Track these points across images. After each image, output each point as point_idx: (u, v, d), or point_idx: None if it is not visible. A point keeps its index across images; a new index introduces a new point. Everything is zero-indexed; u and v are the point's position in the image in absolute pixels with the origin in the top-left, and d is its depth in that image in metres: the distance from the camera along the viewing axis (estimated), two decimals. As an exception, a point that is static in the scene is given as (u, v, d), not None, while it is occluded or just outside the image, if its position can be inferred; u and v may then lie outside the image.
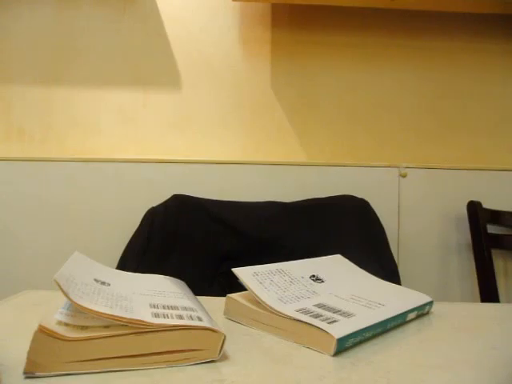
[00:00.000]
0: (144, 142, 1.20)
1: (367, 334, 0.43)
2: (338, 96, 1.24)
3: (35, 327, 0.32)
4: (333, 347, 0.39)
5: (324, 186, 1.15)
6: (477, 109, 1.25)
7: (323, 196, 1.12)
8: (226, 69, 1.23)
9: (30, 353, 0.32)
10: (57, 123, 1.19)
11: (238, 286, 0.50)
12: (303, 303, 0.47)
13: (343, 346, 0.40)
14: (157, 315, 0.37)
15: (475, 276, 1.10)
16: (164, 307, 0.40)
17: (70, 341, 0.33)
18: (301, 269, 0.57)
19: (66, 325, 0.34)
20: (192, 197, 1.06)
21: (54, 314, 0.35)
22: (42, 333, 0.32)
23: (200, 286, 0.54)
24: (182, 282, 0.55)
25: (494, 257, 1.09)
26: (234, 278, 0.49)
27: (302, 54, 1.23)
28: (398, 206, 1.17)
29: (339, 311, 0.46)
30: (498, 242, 1.12)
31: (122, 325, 0.34)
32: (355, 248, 1.00)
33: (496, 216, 1.14)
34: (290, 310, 0.44)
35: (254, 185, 1.15)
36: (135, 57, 1.20)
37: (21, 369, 0.32)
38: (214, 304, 0.50)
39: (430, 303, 0.55)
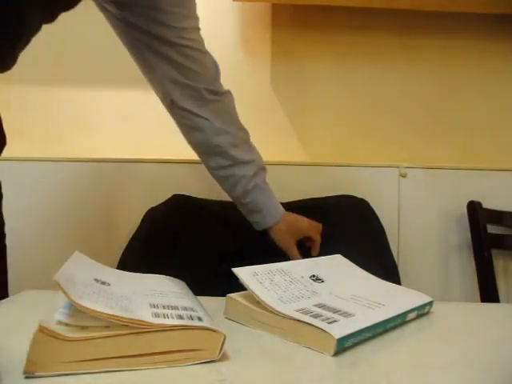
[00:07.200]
0: (144, 142, 1.20)
1: (367, 334, 0.43)
2: (338, 96, 1.24)
3: (35, 327, 0.32)
4: (333, 347, 0.39)
5: (324, 185, 1.14)
6: (477, 108, 1.25)
7: (323, 196, 1.12)
8: (226, 69, 1.22)
9: (29, 353, 0.32)
10: (57, 123, 1.19)
11: (237, 286, 0.50)
12: (303, 303, 0.47)
13: (343, 345, 0.40)
14: (157, 315, 0.37)
15: (475, 276, 1.10)
16: (164, 307, 0.40)
17: (70, 341, 0.32)
18: (301, 269, 0.57)
19: (66, 325, 0.34)
20: (192, 197, 1.06)
21: (53, 314, 0.35)
22: (42, 333, 0.32)
23: (200, 286, 0.54)
24: (182, 282, 0.55)
25: (494, 257, 1.09)
26: (234, 277, 0.49)
27: (303, 54, 1.23)
28: (398, 206, 1.17)
29: (339, 311, 0.46)
30: (498, 241, 1.12)
31: (122, 325, 0.34)
32: (355, 248, 0.99)
33: (496, 216, 1.14)
34: (290, 309, 0.44)
35: (254, 185, 1.14)
36: (135, 57, 1.20)
37: (21, 369, 0.32)
38: (214, 304, 0.50)
39: (430, 303, 0.55)
